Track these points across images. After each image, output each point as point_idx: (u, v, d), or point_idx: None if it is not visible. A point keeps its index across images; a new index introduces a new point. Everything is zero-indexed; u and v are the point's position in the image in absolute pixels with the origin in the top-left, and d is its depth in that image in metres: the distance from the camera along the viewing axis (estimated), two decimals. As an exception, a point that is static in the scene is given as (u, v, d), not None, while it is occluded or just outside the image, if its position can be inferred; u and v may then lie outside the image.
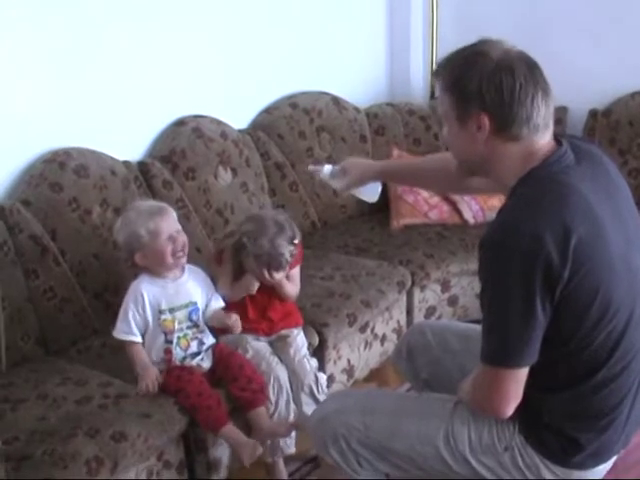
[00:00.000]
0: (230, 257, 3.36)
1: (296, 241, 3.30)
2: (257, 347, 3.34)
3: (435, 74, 2.28)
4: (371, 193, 3.07)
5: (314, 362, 3.44)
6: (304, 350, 3.42)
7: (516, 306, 2.06)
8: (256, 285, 3.32)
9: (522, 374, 2.16)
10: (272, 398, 3.24)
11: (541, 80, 2.16)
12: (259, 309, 3.42)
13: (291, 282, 3.44)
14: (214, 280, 3.39)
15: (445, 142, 2.38)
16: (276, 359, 3.33)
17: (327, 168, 3.05)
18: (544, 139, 2.19)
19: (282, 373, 3.29)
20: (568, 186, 2.11)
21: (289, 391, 3.29)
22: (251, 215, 3.52)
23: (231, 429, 3.08)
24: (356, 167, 3.02)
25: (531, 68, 2.15)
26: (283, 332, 3.45)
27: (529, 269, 2.01)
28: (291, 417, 3.28)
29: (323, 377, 3.42)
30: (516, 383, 2.17)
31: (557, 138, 2.25)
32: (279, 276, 3.32)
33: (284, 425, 3.22)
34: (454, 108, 2.20)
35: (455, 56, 2.23)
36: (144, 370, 3.08)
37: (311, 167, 3.16)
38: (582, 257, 2.03)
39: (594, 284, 2.09)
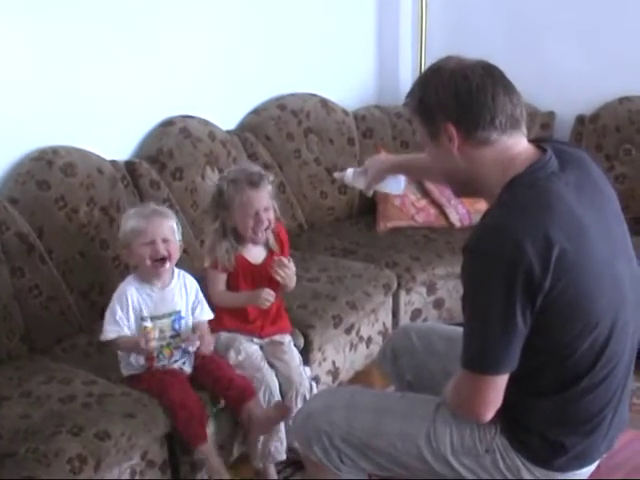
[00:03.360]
0: (212, 217, 3.38)
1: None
2: (249, 351, 3.34)
3: (404, 105, 2.32)
4: (395, 186, 3.12)
5: (308, 370, 3.45)
6: (298, 359, 3.42)
7: (496, 313, 2.07)
8: (272, 298, 3.29)
9: (501, 380, 2.16)
10: (263, 405, 3.23)
11: (501, 79, 2.17)
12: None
13: None
14: (207, 286, 3.39)
15: (431, 167, 2.41)
16: (267, 365, 3.32)
17: (349, 171, 3.13)
18: (519, 141, 2.20)
19: (273, 380, 3.28)
20: (552, 194, 2.11)
21: (280, 399, 3.28)
22: None
23: (208, 450, 3.08)
24: (374, 164, 3.08)
25: (487, 70, 2.17)
26: (277, 338, 3.44)
27: (510, 277, 2.02)
28: (282, 425, 3.27)
29: (315, 386, 3.42)
30: (495, 389, 2.17)
31: (541, 145, 2.25)
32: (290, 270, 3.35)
33: (274, 408, 3.21)
34: (424, 127, 2.26)
35: (416, 80, 2.29)
36: (136, 343, 3.05)
37: (336, 174, 3.23)
38: (564, 268, 2.04)
39: (576, 293, 2.09)
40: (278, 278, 3.31)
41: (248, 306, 3.38)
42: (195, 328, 3.21)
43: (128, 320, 3.10)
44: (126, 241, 3.12)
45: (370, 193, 3.20)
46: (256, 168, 3.43)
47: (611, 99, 4.83)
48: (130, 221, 3.12)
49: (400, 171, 3.10)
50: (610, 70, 4.84)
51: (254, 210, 3.28)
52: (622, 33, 4.79)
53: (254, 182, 3.27)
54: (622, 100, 4.80)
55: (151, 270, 3.13)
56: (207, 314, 3.29)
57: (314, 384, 3.41)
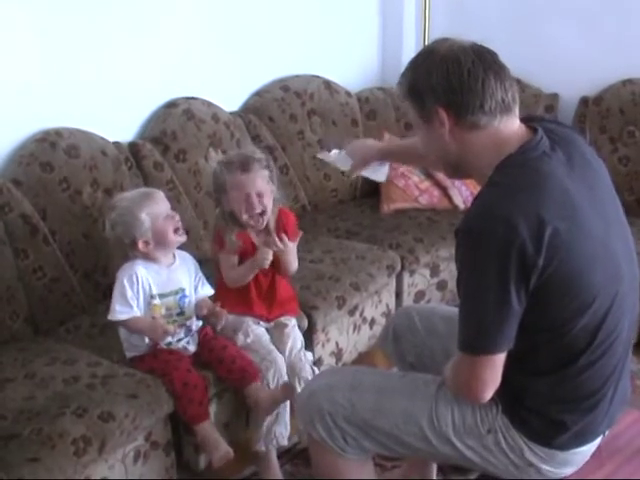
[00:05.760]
0: (217, 213, 3.37)
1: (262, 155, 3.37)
2: (257, 332, 3.34)
3: (398, 85, 2.33)
4: (379, 174, 3.15)
5: (309, 355, 3.44)
6: (300, 343, 3.41)
7: (491, 293, 2.08)
8: (270, 256, 3.26)
9: (499, 360, 2.17)
10: (272, 386, 3.22)
11: (493, 64, 2.17)
12: (262, 292, 3.41)
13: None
14: (216, 265, 3.40)
15: (423, 151, 2.41)
16: (274, 348, 3.31)
17: (334, 153, 3.14)
18: (510, 124, 2.21)
19: (281, 362, 3.27)
20: (544, 173, 2.12)
21: (287, 379, 3.28)
22: None
23: (208, 427, 3.09)
24: (359, 150, 3.10)
25: (480, 54, 2.17)
26: (282, 319, 3.44)
27: (503, 257, 2.03)
28: (287, 410, 3.27)
29: (316, 370, 3.41)
30: (492, 369, 2.18)
31: (531, 125, 2.26)
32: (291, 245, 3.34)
33: (281, 389, 3.20)
34: (416, 110, 2.27)
35: (409, 63, 2.30)
36: (153, 330, 3.09)
37: (319, 154, 3.24)
38: (557, 246, 2.04)
39: (571, 271, 2.10)
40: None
41: (252, 292, 3.39)
42: (200, 306, 3.23)
43: (138, 299, 3.11)
44: (142, 230, 3.08)
45: (353, 176, 3.24)
46: (253, 152, 3.41)
47: (615, 81, 4.81)
48: (136, 210, 3.09)
49: (387, 158, 3.14)
50: (614, 52, 4.82)
51: (244, 193, 3.25)
52: (626, 15, 4.78)
53: (245, 165, 3.25)
54: (626, 82, 4.78)
55: (173, 242, 3.18)
56: (208, 290, 3.32)
57: (315, 369, 3.40)
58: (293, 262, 3.42)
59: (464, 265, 2.15)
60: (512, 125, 2.21)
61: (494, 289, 2.07)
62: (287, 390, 3.19)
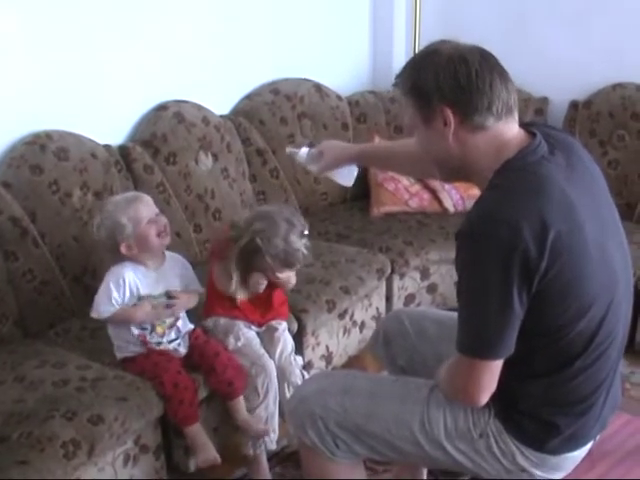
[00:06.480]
0: (237, 258, 3.23)
1: (306, 232, 3.28)
2: (249, 336, 3.33)
3: (394, 85, 2.29)
4: (347, 177, 3.09)
5: (299, 360, 3.43)
6: (290, 347, 3.40)
7: (493, 297, 2.07)
8: (264, 285, 3.28)
9: (497, 365, 2.17)
10: (260, 391, 3.22)
11: (497, 66, 2.17)
12: (258, 302, 3.39)
13: None
14: (209, 270, 3.38)
15: (420, 152, 2.38)
16: (265, 353, 3.31)
17: (304, 151, 3.08)
18: (512, 127, 2.20)
19: (272, 368, 3.26)
20: (545, 177, 2.11)
21: (277, 387, 3.27)
22: (259, 213, 3.35)
23: (197, 429, 3.10)
24: (332, 150, 3.05)
25: (484, 56, 2.16)
26: (273, 323, 3.43)
27: (506, 259, 2.02)
28: (276, 414, 3.27)
29: (306, 375, 3.40)
30: (490, 374, 2.17)
31: (529, 129, 2.25)
32: (292, 274, 3.32)
33: (261, 426, 3.22)
34: (417, 110, 2.22)
35: (409, 62, 2.27)
36: (141, 311, 3.11)
37: (289, 149, 3.18)
38: (559, 250, 2.04)
39: (571, 275, 2.09)
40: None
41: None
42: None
43: (124, 301, 3.10)
44: (124, 234, 3.07)
45: (321, 176, 3.21)
46: (301, 241, 3.25)
47: (605, 85, 4.83)
48: (118, 213, 3.09)
49: (361, 161, 3.11)
50: (603, 56, 4.84)
51: (282, 280, 3.30)
52: (616, 20, 4.79)
53: (291, 264, 3.23)
54: (615, 86, 4.80)
55: (157, 245, 3.15)
56: (198, 288, 3.31)
57: (305, 373, 3.40)
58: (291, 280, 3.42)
59: (465, 268, 2.14)
60: (513, 128, 2.20)
61: (496, 292, 2.06)
62: (263, 432, 3.22)
